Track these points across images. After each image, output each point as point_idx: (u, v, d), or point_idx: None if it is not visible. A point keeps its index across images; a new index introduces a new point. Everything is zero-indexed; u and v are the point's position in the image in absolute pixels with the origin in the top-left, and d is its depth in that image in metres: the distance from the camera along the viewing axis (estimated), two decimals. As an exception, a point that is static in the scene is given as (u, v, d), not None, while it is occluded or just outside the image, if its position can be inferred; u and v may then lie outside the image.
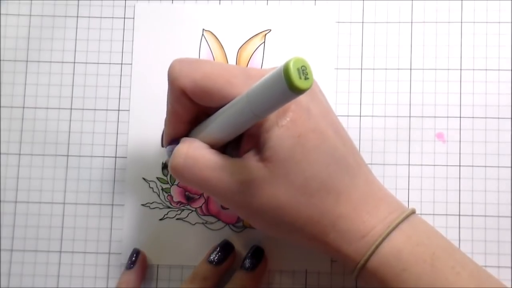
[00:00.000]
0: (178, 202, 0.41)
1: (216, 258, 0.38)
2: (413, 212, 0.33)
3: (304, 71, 0.25)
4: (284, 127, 0.30)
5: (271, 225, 0.32)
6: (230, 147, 0.33)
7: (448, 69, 0.41)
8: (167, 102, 0.34)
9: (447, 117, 0.40)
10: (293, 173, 0.30)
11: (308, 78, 0.25)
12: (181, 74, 0.32)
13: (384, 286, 0.31)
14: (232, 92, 0.30)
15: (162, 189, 0.41)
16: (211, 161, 0.31)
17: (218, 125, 0.31)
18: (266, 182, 0.30)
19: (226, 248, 0.39)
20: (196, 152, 0.32)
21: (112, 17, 0.42)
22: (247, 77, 0.31)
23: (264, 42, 0.42)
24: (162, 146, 0.36)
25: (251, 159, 0.31)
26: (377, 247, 0.31)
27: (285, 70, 0.25)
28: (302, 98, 0.30)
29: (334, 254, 0.32)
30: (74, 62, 0.42)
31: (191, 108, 0.33)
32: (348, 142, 0.33)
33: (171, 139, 0.34)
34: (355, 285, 0.40)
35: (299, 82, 0.25)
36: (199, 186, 0.32)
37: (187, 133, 0.34)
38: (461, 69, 0.41)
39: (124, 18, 0.42)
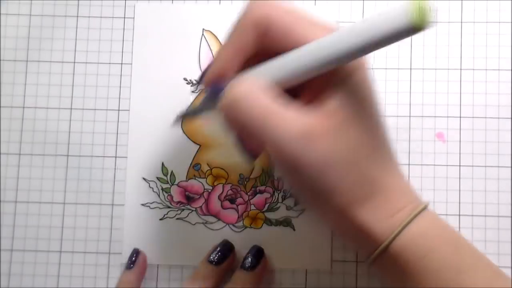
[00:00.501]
0: (178, 202, 0.41)
1: (216, 258, 0.38)
2: (428, 203, 0.33)
3: (427, 11, 0.25)
4: (353, 85, 0.30)
5: (311, 185, 0.30)
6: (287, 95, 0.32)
7: (448, 69, 0.41)
8: (230, 33, 0.31)
9: (447, 117, 0.40)
10: (349, 134, 0.30)
11: (428, 18, 0.25)
12: (266, 3, 0.30)
13: (405, 269, 0.30)
14: (311, 37, 0.29)
15: (162, 189, 0.41)
16: (274, 102, 0.30)
17: (287, 65, 0.30)
18: (324, 136, 0.29)
19: (226, 248, 0.39)
20: (260, 89, 0.30)
21: (112, 17, 0.43)
22: (325, 29, 0.30)
23: (264, 42, 0.42)
24: (199, 82, 0.33)
25: (314, 109, 0.30)
26: (405, 226, 0.30)
27: (415, 5, 0.25)
28: (366, 69, 0.31)
29: (356, 232, 0.31)
30: (74, 62, 0.42)
31: (255, 44, 0.31)
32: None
33: (217, 76, 0.32)
34: (355, 285, 0.40)
35: (422, 19, 0.25)
36: (255, 124, 0.30)
37: (233, 75, 0.32)
38: (461, 69, 0.41)
39: (124, 18, 0.42)
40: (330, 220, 0.33)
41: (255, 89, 0.30)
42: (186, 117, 0.39)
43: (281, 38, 0.30)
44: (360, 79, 0.30)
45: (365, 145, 0.30)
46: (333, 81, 0.30)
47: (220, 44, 0.42)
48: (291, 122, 0.29)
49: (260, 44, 0.31)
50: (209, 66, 0.33)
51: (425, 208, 0.31)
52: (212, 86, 0.32)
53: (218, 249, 0.39)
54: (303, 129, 0.29)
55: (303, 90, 0.31)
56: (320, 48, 0.29)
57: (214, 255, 0.38)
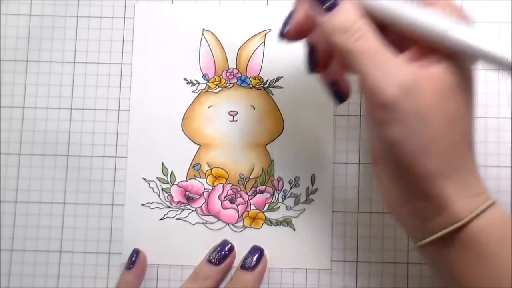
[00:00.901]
0: (178, 202, 0.41)
1: (216, 258, 0.38)
2: None
3: None
4: (460, 58, 0.29)
5: (402, 140, 0.29)
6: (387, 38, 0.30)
7: (448, 69, 0.41)
8: None
9: (447, 117, 0.40)
10: (451, 101, 0.29)
11: None
12: None
13: (480, 251, 0.29)
14: None
15: (162, 189, 0.41)
16: (385, 47, 0.29)
17: (409, 14, 0.29)
18: (428, 93, 0.28)
19: (226, 248, 0.39)
20: (369, 27, 0.29)
21: (112, 17, 0.43)
22: None
23: (264, 41, 0.42)
24: (281, 36, 0.33)
25: (421, 67, 0.29)
26: (488, 207, 0.29)
27: None
28: None
29: (430, 204, 0.30)
30: (74, 62, 0.42)
31: None
32: None
33: (301, 26, 0.32)
34: (355, 285, 0.40)
35: None
36: (359, 60, 0.29)
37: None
38: (461, 69, 0.41)
39: (124, 18, 0.42)
40: (406, 184, 0.31)
41: (364, 25, 0.29)
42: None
43: None
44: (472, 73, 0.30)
45: (462, 119, 0.29)
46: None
47: (220, 44, 0.42)
48: (399, 68, 0.29)
49: None
50: (288, 18, 0.32)
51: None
52: (295, 38, 0.32)
53: (218, 249, 0.39)
54: (410, 78, 0.28)
55: (408, 45, 0.30)
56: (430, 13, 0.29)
57: (214, 255, 0.38)
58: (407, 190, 0.31)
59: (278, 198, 0.41)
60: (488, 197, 0.30)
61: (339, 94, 0.35)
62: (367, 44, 0.29)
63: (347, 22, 0.29)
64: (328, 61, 0.34)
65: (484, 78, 0.41)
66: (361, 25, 0.29)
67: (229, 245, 0.39)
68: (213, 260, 0.38)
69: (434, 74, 0.29)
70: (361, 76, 0.29)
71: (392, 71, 0.28)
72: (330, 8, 0.30)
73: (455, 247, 0.30)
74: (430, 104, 0.28)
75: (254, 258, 0.38)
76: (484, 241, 0.29)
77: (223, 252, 0.39)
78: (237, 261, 0.39)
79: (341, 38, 0.29)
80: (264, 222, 0.40)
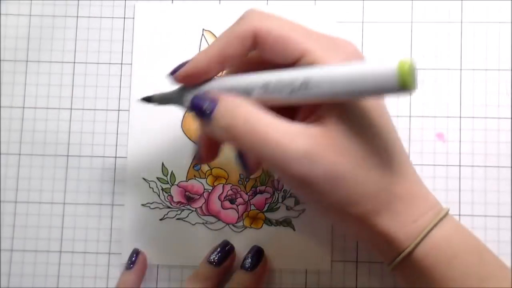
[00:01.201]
0: (178, 202, 0.41)
1: (216, 258, 0.38)
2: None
3: (414, 74, 0.26)
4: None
5: (323, 199, 0.30)
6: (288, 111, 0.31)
7: (448, 69, 0.41)
8: (221, 41, 0.31)
9: (447, 117, 0.40)
10: (359, 144, 0.29)
11: (414, 81, 0.26)
12: (259, 17, 0.31)
13: (429, 274, 0.30)
14: (307, 46, 0.29)
15: (162, 189, 0.41)
16: (271, 124, 0.29)
17: (271, 95, 0.29)
18: (327, 150, 0.29)
19: (226, 249, 0.39)
20: (257, 115, 0.29)
21: (112, 17, 0.42)
22: (324, 48, 0.30)
23: (264, 42, 0.42)
24: (170, 74, 0.33)
25: (315, 123, 0.30)
26: (429, 231, 0.30)
27: (403, 70, 0.25)
28: None
29: (378, 239, 0.31)
30: (74, 62, 0.42)
31: (244, 55, 0.31)
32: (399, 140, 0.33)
33: (193, 75, 0.32)
34: (355, 285, 0.40)
35: (410, 83, 0.25)
36: (255, 149, 0.29)
37: (208, 78, 0.32)
38: (461, 69, 0.41)
39: (124, 18, 0.42)
40: (348, 228, 0.33)
41: (253, 115, 0.29)
42: (151, 100, 0.36)
43: (278, 49, 0.30)
44: None
45: (373, 155, 0.30)
46: None
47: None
48: (293, 142, 0.29)
49: (243, 58, 0.31)
50: (186, 62, 0.32)
51: (446, 214, 0.31)
52: (183, 82, 0.32)
53: (218, 249, 0.39)
54: (306, 146, 0.29)
55: (298, 107, 0.31)
56: (287, 85, 0.29)
57: (214, 256, 0.38)
58: (353, 232, 0.33)
59: (278, 198, 0.41)
60: (436, 212, 0.31)
61: (246, 167, 0.35)
62: (255, 131, 0.29)
63: (227, 117, 0.29)
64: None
65: (484, 78, 0.41)
66: (243, 112, 0.29)
67: (229, 246, 0.39)
68: (213, 260, 0.38)
69: (326, 129, 0.29)
70: (262, 159, 0.30)
71: (290, 145, 0.29)
72: (210, 113, 0.30)
73: (411, 273, 0.31)
74: (333, 161, 0.29)
75: (254, 259, 0.38)
76: (431, 264, 0.30)
77: (223, 253, 0.39)
78: (237, 261, 0.39)
79: (229, 134, 0.30)
80: (264, 222, 0.40)
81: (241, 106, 0.30)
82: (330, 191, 0.29)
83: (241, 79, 0.31)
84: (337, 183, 0.29)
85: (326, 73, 0.28)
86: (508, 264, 0.32)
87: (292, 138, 0.29)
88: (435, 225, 0.30)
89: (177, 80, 0.32)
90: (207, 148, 0.34)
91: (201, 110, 0.31)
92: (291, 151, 0.29)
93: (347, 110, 0.29)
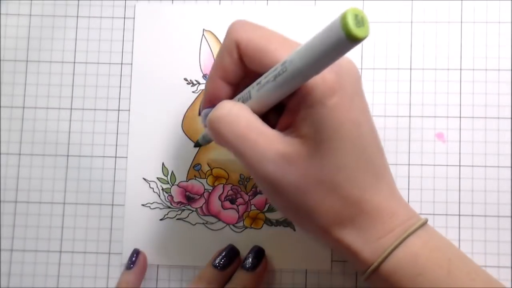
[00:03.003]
0: (178, 202, 0.41)
1: (221, 263, 0.38)
2: (426, 221, 0.33)
3: (361, 19, 0.25)
4: (328, 108, 0.30)
5: (292, 206, 0.31)
6: (271, 120, 0.32)
7: (448, 69, 0.41)
8: (216, 57, 0.33)
9: (447, 117, 0.40)
10: (326, 158, 0.30)
11: (364, 27, 0.25)
12: (241, 29, 0.32)
13: None
14: (283, 57, 0.29)
15: (163, 189, 0.41)
16: (253, 123, 0.30)
17: (261, 88, 0.30)
18: (300, 159, 0.30)
19: (231, 253, 0.39)
20: (240, 110, 0.31)
21: (112, 17, 0.42)
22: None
23: (264, 42, 0.42)
24: (199, 114, 0.35)
25: (290, 133, 0.30)
26: (393, 250, 0.30)
27: (343, 18, 0.25)
28: (348, 86, 0.30)
29: (344, 251, 0.32)
30: (74, 62, 0.42)
31: (237, 66, 0.32)
32: (379, 143, 0.33)
33: (210, 99, 0.33)
34: (355, 285, 0.40)
35: (356, 30, 0.24)
36: (232, 145, 0.31)
37: (226, 98, 0.33)
38: (461, 69, 0.41)
39: (124, 18, 0.42)
40: (316, 237, 0.34)
41: (235, 110, 0.31)
42: (199, 144, 0.40)
43: (256, 63, 0.31)
44: (334, 103, 0.30)
45: (344, 168, 0.30)
46: (305, 106, 0.30)
47: (221, 44, 0.42)
48: (270, 144, 0.30)
49: (241, 69, 0.32)
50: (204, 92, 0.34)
51: (419, 227, 0.31)
52: (205, 112, 0.34)
53: (224, 254, 0.39)
54: (280, 153, 0.30)
55: (284, 110, 0.32)
56: (270, 78, 0.29)
57: (219, 260, 0.38)
58: (322, 242, 0.34)
59: (278, 198, 0.41)
60: (405, 228, 0.31)
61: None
62: (235, 134, 0.30)
63: (215, 120, 0.31)
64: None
65: (484, 78, 0.41)
66: (225, 116, 0.31)
67: (235, 250, 0.39)
68: (218, 264, 0.38)
69: (300, 139, 0.30)
70: (241, 160, 0.31)
71: (265, 150, 0.30)
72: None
73: (381, 286, 0.32)
74: (304, 171, 0.30)
75: (255, 259, 0.38)
76: (398, 281, 0.31)
77: (228, 258, 0.38)
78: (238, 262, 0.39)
79: (215, 137, 0.32)
80: (264, 222, 0.40)
81: (231, 109, 0.31)
82: (298, 200, 0.30)
83: (245, 89, 0.32)
84: (306, 193, 0.30)
85: (297, 50, 0.28)
86: (492, 273, 0.32)
87: (271, 140, 0.30)
88: (400, 243, 0.31)
89: (203, 113, 0.34)
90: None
91: (206, 117, 0.33)
92: (269, 152, 0.30)
93: (324, 123, 0.30)
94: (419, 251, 0.31)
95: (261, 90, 0.30)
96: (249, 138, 0.30)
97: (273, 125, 0.32)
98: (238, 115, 0.31)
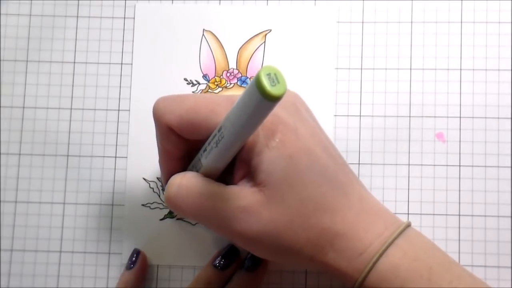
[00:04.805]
0: (178, 202, 0.41)
1: (221, 263, 0.38)
2: (408, 225, 0.33)
3: (274, 78, 0.25)
4: (274, 149, 0.30)
5: (270, 250, 0.32)
6: (227, 176, 0.33)
7: (448, 69, 0.41)
8: (157, 142, 0.34)
9: (447, 117, 0.40)
10: (288, 196, 0.30)
11: (279, 84, 0.25)
12: (166, 111, 0.32)
13: None
14: (217, 120, 0.30)
15: (163, 189, 0.41)
16: (204, 189, 0.31)
17: (208, 154, 0.31)
18: (262, 207, 0.30)
19: (231, 254, 0.39)
20: (189, 181, 0.32)
21: (112, 17, 0.42)
22: (231, 103, 0.30)
23: (265, 42, 0.42)
24: (163, 190, 0.36)
25: (245, 185, 0.31)
26: (374, 264, 0.31)
27: (256, 79, 0.25)
28: (288, 118, 0.31)
29: (333, 272, 0.32)
30: (74, 62, 0.42)
31: (180, 144, 0.33)
32: (338, 159, 0.33)
33: (167, 178, 0.34)
34: (355, 285, 0.40)
35: (270, 89, 0.25)
36: (194, 215, 0.32)
37: (183, 170, 0.34)
38: (461, 69, 0.41)
39: (124, 18, 0.42)
40: (307, 267, 0.35)
41: (184, 183, 0.32)
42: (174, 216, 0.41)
43: (194, 135, 0.32)
44: (278, 142, 0.30)
45: (308, 199, 0.31)
46: (254, 155, 0.31)
47: (221, 44, 0.42)
48: (225, 204, 0.31)
49: (184, 143, 0.33)
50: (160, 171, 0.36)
51: (397, 236, 0.31)
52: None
53: (224, 254, 0.39)
54: (241, 207, 0.30)
55: (235, 164, 0.32)
56: (212, 138, 0.30)
57: (219, 260, 0.38)
58: (309, 269, 0.35)
59: (278, 198, 0.40)
60: (384, 240, 0.31)
61: None
62: (190, 206, 0.32)
63: (168, 198, 0.32)
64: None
65: (484, 78, 0.41)
66: (184, 185, 0.32)
67: (235, 250, 0.39)
68: (218, 265, 0.38)
69: (256, 187, 0.31)
70: (205, 225, 0.33)
71: (226, 210, 0.31)
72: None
73: None
74: (268, 217, 0.30)
75: (255, 259, 0.38)
76: None
77: (228, 258, 0.38)
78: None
79: (176, 211, 0.33)
80: (264, 222, 0.40)
81: (180, 184, 0.32)
82: (273, 244, 0.31)
83: (196, 156, 0.33)
84: (278, 236, 0.31)
85: (227, 116, 0.29)
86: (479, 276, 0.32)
87: (228, 199, 0.31)
88: (379, 257, 0.31)
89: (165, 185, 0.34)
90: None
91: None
92: (230, 212, 0.30)
93: (275, 165, 0.30)
94: (399, 262, 0.31)
95: (209, 156, 0.31)
96: (206, 206, 0.31)
97: (228, 177, 0.32)
98: (188, 188, 0.32)
